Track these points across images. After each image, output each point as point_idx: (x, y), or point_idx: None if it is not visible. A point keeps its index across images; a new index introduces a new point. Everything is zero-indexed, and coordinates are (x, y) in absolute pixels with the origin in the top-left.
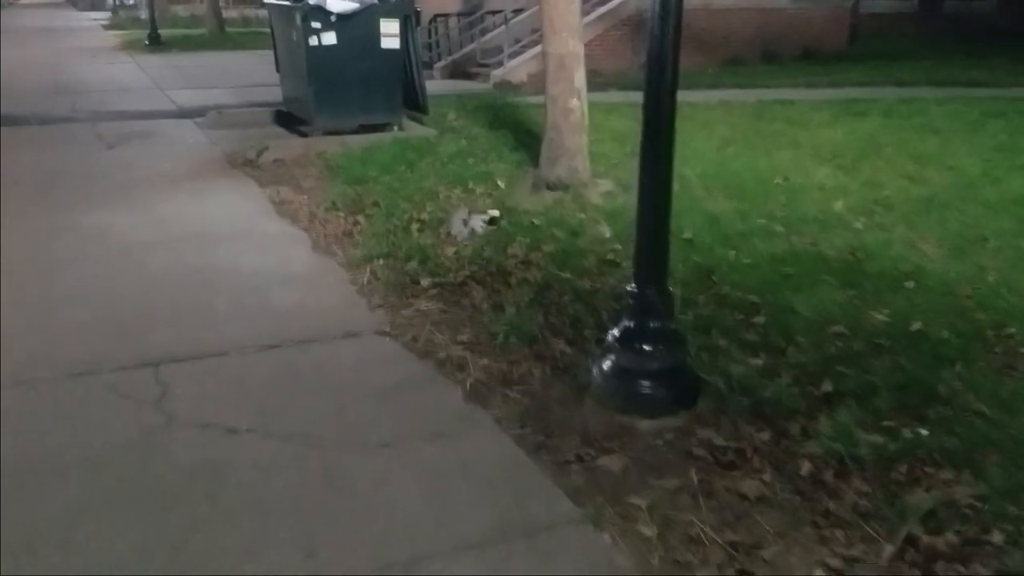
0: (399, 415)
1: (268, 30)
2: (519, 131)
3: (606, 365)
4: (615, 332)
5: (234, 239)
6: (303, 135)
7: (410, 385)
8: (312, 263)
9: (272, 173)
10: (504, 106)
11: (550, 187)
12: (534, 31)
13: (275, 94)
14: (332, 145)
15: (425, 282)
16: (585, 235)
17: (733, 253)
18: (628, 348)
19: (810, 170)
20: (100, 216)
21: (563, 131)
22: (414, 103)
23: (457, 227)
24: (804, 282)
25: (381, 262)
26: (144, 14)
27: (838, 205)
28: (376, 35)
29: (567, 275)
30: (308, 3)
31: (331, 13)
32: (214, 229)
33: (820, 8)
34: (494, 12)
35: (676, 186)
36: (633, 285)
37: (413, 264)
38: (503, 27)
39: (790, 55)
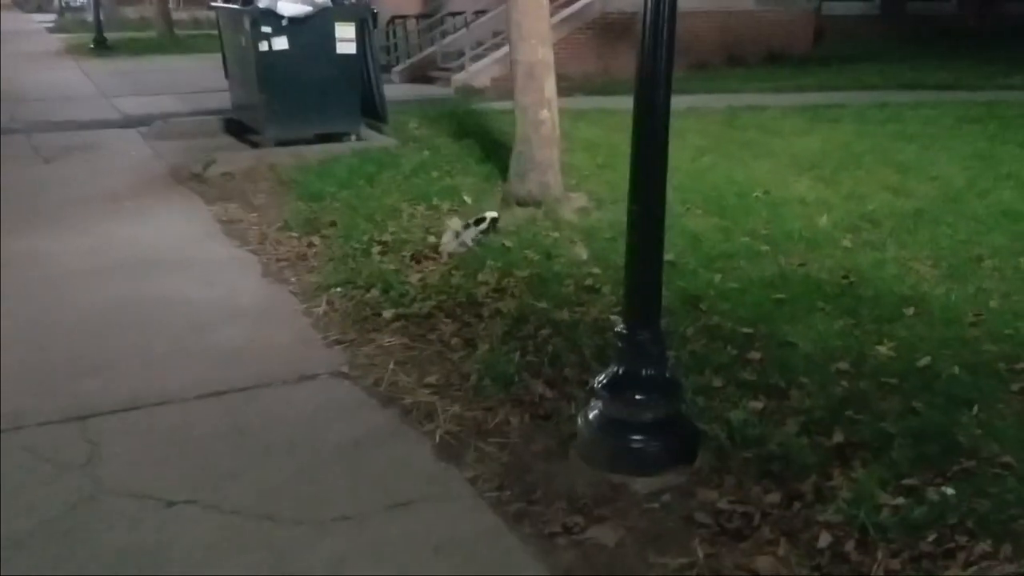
0: (361, 479)
1: (207, 32)
2: (485, 141)
3: (593, 415)
4: (603, 379)
5: (177, 266)
6: (254, 145)
7: (373, 440)
8: (262, 292)
9: (220, 188)
10: (468, 113)
11: (520, 203)
12: (496, 34)
13: (225, 100)
14: (285, 157)
15: (388, 314)
16: (561, 257)
17: (719, 277)
18: (618, 397)
19: (789, 182)
20: (31, 242)
21: (533, 144)
22: (372, 111)
23: (448, 238)
24: (798, 309)
25: (339, 290)
26: (91, 16)
27: (823, 221)
28: (331, 39)
29: (544, 305)
30: (258, 6)
31: (282, 17)
32: (155, 255)
33: (785, 11)
34: (454, 14)
35: None
36: (622, 326)
37: (374, 293)
38: (464, 30)
39: (755, 59)
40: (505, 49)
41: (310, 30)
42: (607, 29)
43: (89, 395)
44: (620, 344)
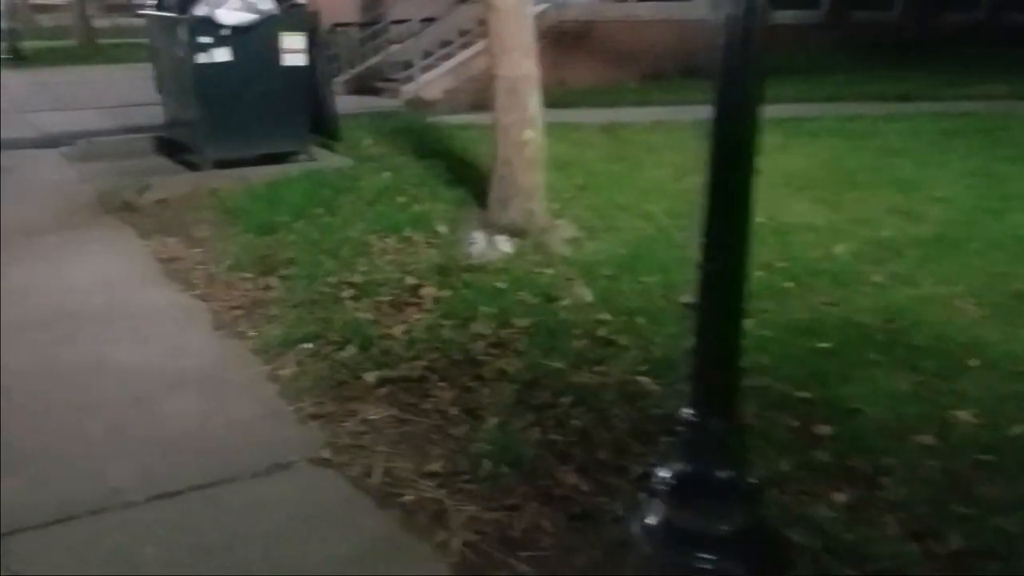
0: None
1: (146, 41)
2: (451, 160)
3: (653, 523)
4: (667, 477)
5: (110, 318)
6: (191, 167)
7: (372, 557)
8: (215, 351)
9: (156, 219)
10: (425, 129)
11: (503, 233)
12: (445, 43)
13: (156, 115)
14: (227, 180)
15: (371, 377)
16: (562, 300)
17: (750, 322)
18: (686, 503)
19: (788, 204)
20: None
21: (516, 167)
22: (323, 128)
23: (477, 244)
24: (849, 363)
25: (308, 347)
26: (5, 24)
27: (840, 250)
28: (277, 50)
29: (556, 363)
30: (195, 15)
31: (223, 26)
32: (84, 304)
33: None
34: (399, 22)
35: (649, 228)
36: (690, 412)
37: (351, 350)
38: (412, 39)
39: (710, 69)
40: (457, 59)
41: (254, 40)
42: (562, 38)
43: (8, 503)
44: (688, 436)
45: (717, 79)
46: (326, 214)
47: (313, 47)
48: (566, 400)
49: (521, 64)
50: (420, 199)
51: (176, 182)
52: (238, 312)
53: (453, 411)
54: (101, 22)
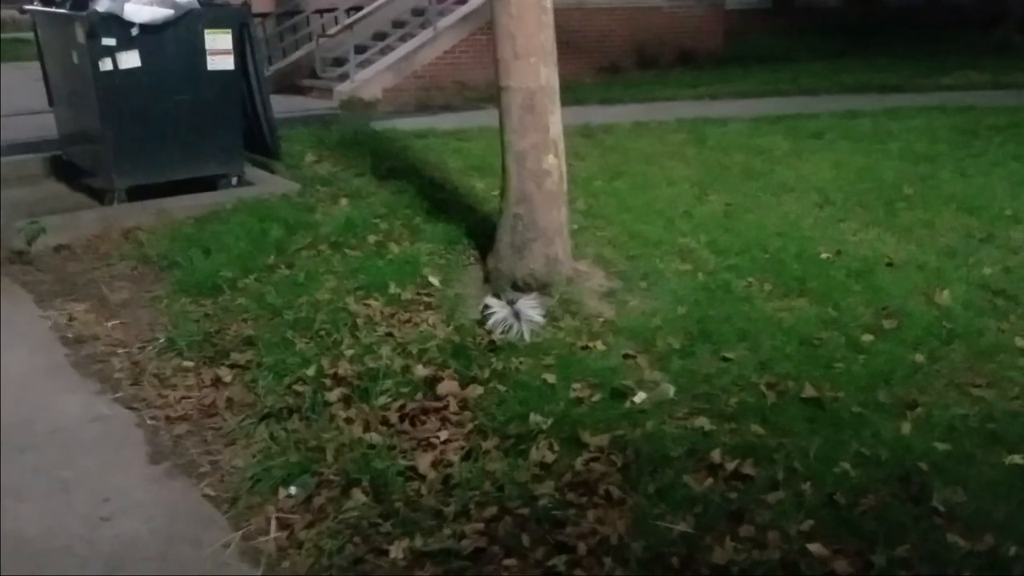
0: None
1: (27, 35)
2: (420, 181)
3: None
4: None
5: (3, 451)
6: (95, 195)
7: None
8: (158, 503)
9: (56, 274)
10: (375, 138)
11: (519, 287)
12: (378, 36)
13: (45, 127)
14: (145, 216)
15: (397, 550)
16: (634, 395)
17: (907, 427)
18: None
19: (844, 232)
20: None
21: (537, 204)
22: (259, 143)
23: (500, 318)
24: None
25: (293, 492)
26: None
27: (945, 298)
28: (200, 52)
29: (678, 524)
30: (96, 10)
31: (132, 24)
32: None
33: (695, 8)
34: (323, 11)
35: (697, 272)
36: None
37: (360, 497)
38: (344, 31)
39: (667, 59)
40: (397, 53)
41: (171, 41)
42: None
43: None
44: None
45: None
46: (280, 264)
47: (244, 46)
48: None
49: (540, 73)
50: (395, 237)
51: (79, 220)
52: (181, 427)
53: None
54: None
